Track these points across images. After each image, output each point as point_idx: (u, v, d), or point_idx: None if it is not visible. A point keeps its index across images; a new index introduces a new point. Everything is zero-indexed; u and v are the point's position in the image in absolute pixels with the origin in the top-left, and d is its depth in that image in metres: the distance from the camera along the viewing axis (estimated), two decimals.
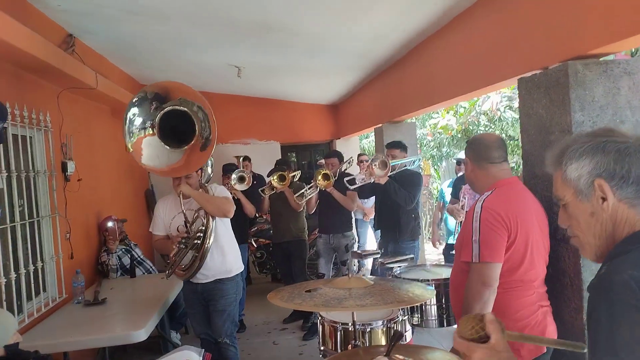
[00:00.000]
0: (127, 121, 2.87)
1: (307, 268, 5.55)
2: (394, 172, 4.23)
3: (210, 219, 3.17)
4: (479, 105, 8.64)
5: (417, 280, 2.62)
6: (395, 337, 1.32)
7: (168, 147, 2.84)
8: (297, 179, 5.36)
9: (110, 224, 4.63)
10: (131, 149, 2.89)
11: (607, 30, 2.15)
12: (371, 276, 2.22)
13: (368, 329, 2.26)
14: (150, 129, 2.82)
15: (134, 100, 2.91)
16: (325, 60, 5.26)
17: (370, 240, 6.48)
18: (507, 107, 8.99)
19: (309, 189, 4.91)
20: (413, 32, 4.10)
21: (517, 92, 2.86)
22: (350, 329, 2.29)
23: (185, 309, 3.63)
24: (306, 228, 5.41)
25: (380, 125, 5.67)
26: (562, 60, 2.43)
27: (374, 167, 4.07)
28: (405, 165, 4.37)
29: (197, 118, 2.85)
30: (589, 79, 2.34)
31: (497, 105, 7.98)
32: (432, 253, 7.20)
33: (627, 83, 2.36)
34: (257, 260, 6.81)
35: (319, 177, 4.66)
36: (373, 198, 5.23)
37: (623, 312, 0.91)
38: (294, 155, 8.61)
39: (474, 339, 1.05)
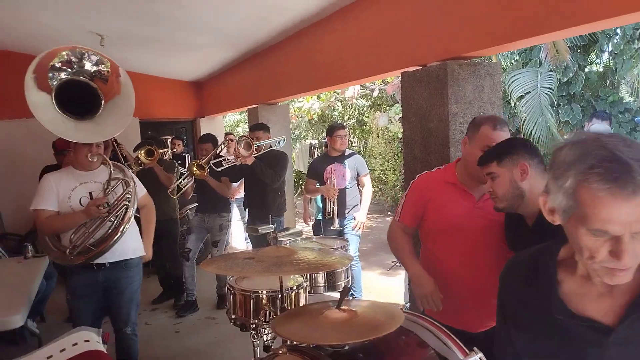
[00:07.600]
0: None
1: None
2: (261, 153, 4.46)
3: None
4: (336, 92, 9.18)
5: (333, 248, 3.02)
6: (344, 292, 1.53)
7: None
8: (166, 156, 5.20)
9: None
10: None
11: (479, 37, 2.60)
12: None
13: (279, 296, 2.43)
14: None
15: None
16: (200, 37, 5.16)
17: (235, 217, 6.60)
18: (360, 96, 9.71)
19: (183, 179, 4.86)
20: (297, 17, 4.28)
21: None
22: (260, 296, 2.45)
23: (72, 302, 3.20)
24: (177, 206, 5.31)
25: (255, 106, 5.78)
26: (440, 59, 2.85)
27: (239, 148, 4.22)
28: (271, 146, 4.60)
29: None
30: (462, 77, 2.80)
31: (357, 93, 8.60)
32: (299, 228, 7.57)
33: (489, 82, 2.87)
34: None
35: (194, 168, 4.61)
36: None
37: None
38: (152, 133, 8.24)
39: None
